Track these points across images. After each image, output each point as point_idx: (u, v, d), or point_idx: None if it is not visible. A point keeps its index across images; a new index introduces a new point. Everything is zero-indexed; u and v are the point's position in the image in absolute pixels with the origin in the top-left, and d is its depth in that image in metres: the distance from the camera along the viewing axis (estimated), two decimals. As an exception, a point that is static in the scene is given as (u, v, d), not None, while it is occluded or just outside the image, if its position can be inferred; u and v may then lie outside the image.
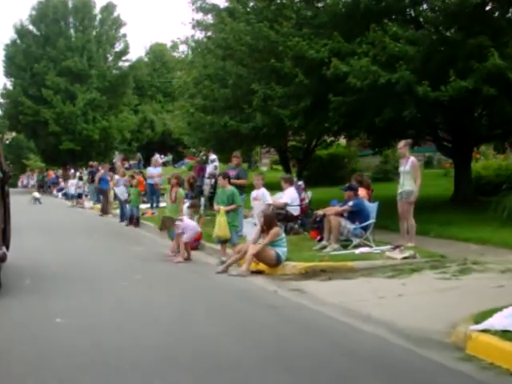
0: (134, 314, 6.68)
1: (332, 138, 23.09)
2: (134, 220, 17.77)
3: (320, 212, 10.94)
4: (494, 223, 11.85)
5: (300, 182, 13.37)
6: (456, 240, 11.54)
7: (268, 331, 5.90)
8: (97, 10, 46.72)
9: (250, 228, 10.82)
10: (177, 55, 36.78)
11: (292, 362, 4.93)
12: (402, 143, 10.90)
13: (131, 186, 17.99)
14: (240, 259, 9.52)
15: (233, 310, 6.94)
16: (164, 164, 36.90)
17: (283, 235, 9.64)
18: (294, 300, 7.37)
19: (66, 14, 45.68)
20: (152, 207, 20.53)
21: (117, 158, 40.60)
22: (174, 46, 49.85)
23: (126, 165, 36.36)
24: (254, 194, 11.33)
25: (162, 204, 17.54)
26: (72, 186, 29.31)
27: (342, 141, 27.16)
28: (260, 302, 7.35)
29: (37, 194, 31.88)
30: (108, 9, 46.97)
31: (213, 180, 18.76)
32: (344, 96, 13.05)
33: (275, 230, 9.50)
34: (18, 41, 45.58)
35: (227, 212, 10.34)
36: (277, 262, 9.37)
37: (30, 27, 45.63)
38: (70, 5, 45.68)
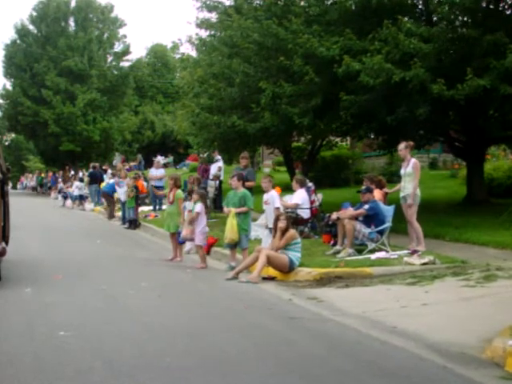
0: (141, 324, 6.20)
1: (339, 139, 22.66)
2: (131, 222, 17.52)
3: (334, 216, 10.47)
4: (512, 226, 11.51)
5: (310, 184, 12.90)
6: (473, 244, 11.17)
7: (292, 348, 5.38)
8: (98, 10, 46.28)
9: (266, 233, 10.38)
10: (178, 56, 36.17)
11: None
12: (402, 145, 10.47)
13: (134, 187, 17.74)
14: (251, 265, 9.08)
15: (249, 322, 6.40)
16: (165, 165, 36.40)
17: (299, 239, 9.19)
18: (313, 310, 6.92)
19: (68, 13, 45.21)
20: (155, 209, 20.15)
21: (117, 160, 40.14)
22: (175, 47, 49.45)
23: (127, 166, 35.88)
24: (264, 197, 10.83)
25: (165, 206, 17.16)
26: (75, 188, 28.73)
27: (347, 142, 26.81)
28: (276, 312, 6.86)
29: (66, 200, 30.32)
30: (108, 9, 46.59)
31: (217, 182, 18.39)
32: (356, 94, 12.64)
33: (291, 232, 9.07)
34: (18, 41, 45.08)
35: (238, 214, 9.92)
36: (290, 269, 8.94)
37: (31, 27, 45.17)
38: (73, 4, 45.23)
